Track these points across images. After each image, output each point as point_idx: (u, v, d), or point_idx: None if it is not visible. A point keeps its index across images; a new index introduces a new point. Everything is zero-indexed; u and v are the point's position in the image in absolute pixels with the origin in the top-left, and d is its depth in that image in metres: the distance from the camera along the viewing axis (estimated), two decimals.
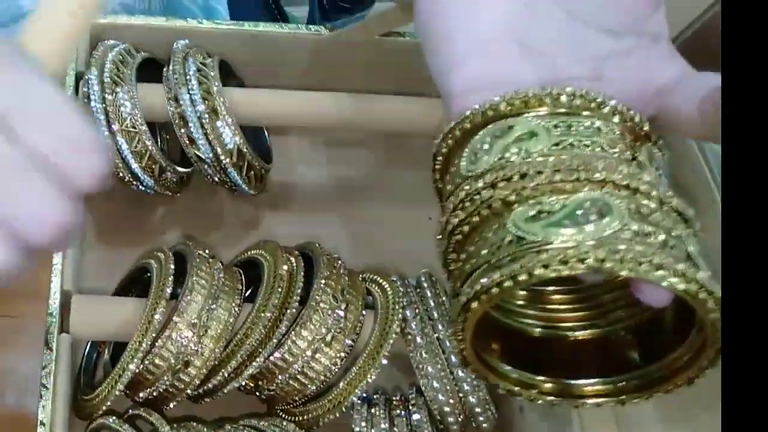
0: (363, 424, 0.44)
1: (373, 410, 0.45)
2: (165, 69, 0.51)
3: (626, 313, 0.36)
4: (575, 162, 0.30)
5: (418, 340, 0.44)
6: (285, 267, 0.44)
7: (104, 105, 0.49)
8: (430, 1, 0.35)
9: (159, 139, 0.54)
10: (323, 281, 0.44)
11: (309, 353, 0.43)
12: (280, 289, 0.43)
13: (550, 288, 0.37)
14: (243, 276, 0.45)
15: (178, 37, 0.53)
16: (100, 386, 0.42)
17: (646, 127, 0.33)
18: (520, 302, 0.37)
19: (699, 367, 0.33)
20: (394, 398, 0.46)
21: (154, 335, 0.41)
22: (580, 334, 0.37)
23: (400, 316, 0.44)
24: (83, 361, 0.46)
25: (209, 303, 0.42)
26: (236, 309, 0.43)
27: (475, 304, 0.31)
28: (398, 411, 0.45)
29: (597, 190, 0.30)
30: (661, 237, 0.30)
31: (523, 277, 0.29)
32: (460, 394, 0.44)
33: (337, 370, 0.43)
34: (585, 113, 0.32)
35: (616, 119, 0.32)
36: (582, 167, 0.30)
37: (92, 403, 0.43)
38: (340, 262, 0.46)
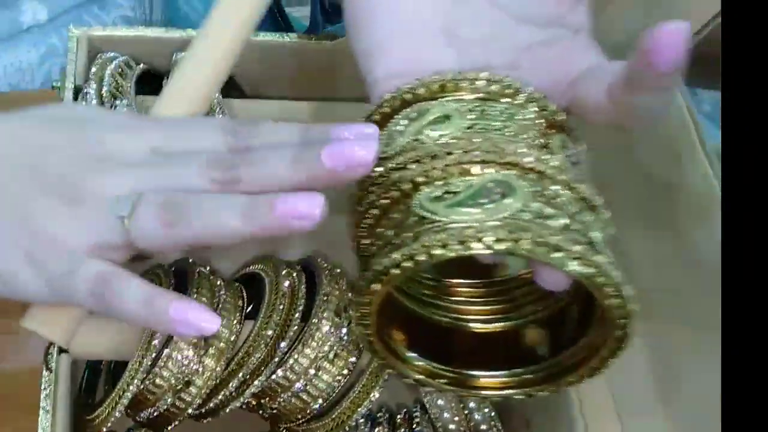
0: None
1: (377, 429, 0.44)
2: (164, 81, 0.51)
3: (536, 306, 0.36)
4: (484, 144, 0.30)
5: None
6: (287, 283, 0.44)
7: None
8: None
9: None
10: (325, 297, 0.43)
11: (312, 371, 0.42)
12: (281, 306, 0.43)
13: (463, 281, 0.37)
14: (244, 292, 0.45)
15: (177, 48, 0.52)
16: (100, 406, 0.42)
17: (561, 117, 0.33)
18: (430, 292, 0.37)
19: (601, 357, 0.33)
20: (398, 416, 0.45)
21: (154, 355, 0.41)
22: (491, 327, 0.37)
23: None
24: (83, 381, 0.46)
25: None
26: (237, 326, 0.43)
27: (377, 286, 0.30)
28: (402, 429, 0.44)
29: (503, 172, 0.30)
30: (563, 221, 0.29)
31: (422, 257, 0.29)
32: (465, 411, 0.43)
33: (340, 387, 0.43)
34: (501, 99, 0.32)
35: (531, 107, 0.33)
36: (491, 149, 0.30)
37: (93, 424, 0.42)
38: (343, 276, 0.45)
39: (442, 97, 0.33)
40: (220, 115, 0.48)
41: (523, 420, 0.46)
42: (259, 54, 0.52)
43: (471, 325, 0.37)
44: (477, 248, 0.28)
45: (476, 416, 0.43)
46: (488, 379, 0.36)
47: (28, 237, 0.33)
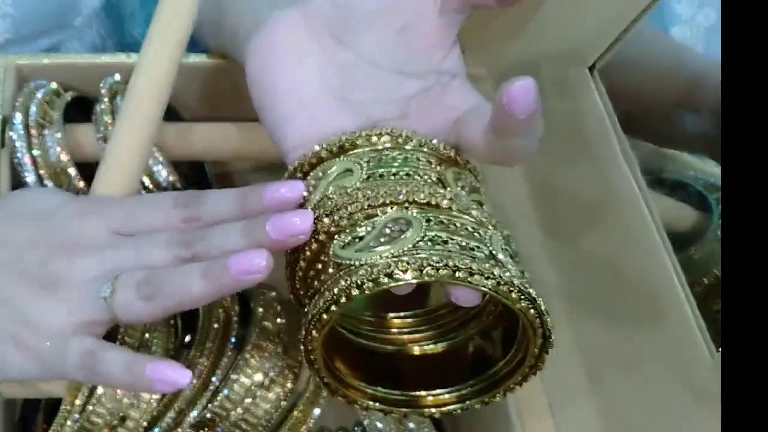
0: None
1: None
2: (94, 108, 0.50)
3: (469, 326, 0.39)
4: (381, 190, 0.34)
5: None
6: (220, 309, 0.43)
7: (30, 150, 0.48)
8: (259, 62, 0.39)
9: None
10: (259, 323, 0.43)
11: (248, 399, 0.42)
12: (215, 333, 0.42)
13: (398, 313, 0.40)
14: (178, 318, 0.44)
15: (107, 73, 0.51)
16: None
17: (452, 154, 0.37)
18: (370, 327, 0.40)
19: (531, 360, 0.35)
20: None
21: (87, 392, 0.40)
22: (430, 349, 0.39)
23: None
24: (21, 418, 0.45)
25: (142, 352, 0.41)
26: (172, 354, 0.42)
27: (313, 333, 0.33)
28: None
29: (401, 211, 0.33)
30: (461, 242, 0.33)
31: (342, 300, 0.32)
32: None
33: (278, 413, 0.42)
34: (394, 148, 0.36)
35: (421, 149, 0.36)
36: (388, 193, 0.33)
37: None
38: (277, 300, 0.45)
39: (343, 155, 0.36)
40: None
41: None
42: (189, 75, 0.52)
43: (412, 349, 0.40)
44: (387, 282, 0.32)
45: None
46: (432, 397, 0.38)
47: (15, 323, 0.36)
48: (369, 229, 0.33)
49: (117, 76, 0.51)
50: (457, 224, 0.33)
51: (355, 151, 0.36)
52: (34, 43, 0.56)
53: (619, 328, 0.42)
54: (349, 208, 0.34)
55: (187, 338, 0.44)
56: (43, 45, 0.57)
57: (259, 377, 0.42)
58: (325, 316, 0.33)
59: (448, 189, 0.35)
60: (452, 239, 0.32)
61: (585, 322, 0.44)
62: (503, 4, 0.36)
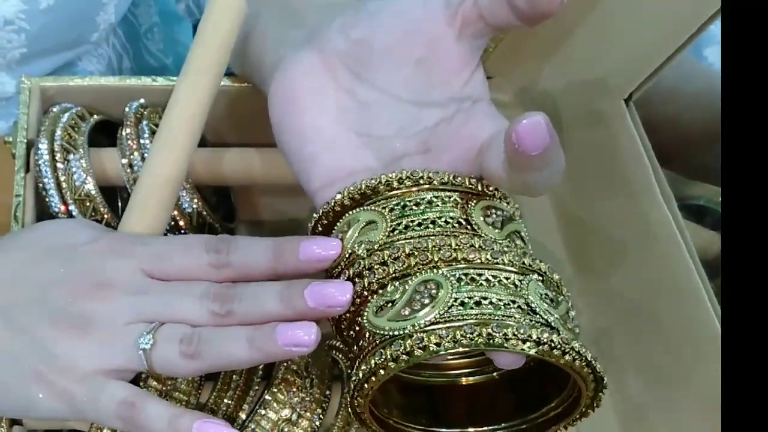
0: None
1: None
2: (119, 132, 0.50)
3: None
4: (407, 248, 0.33)
5: None
6: None
7: (56, 174, 0.47)
8: (279, 107, 0.39)
9: (121, 201, 0.53)
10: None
11: None
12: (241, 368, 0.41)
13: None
14: None
15: (132, 96, 0.51)
16: None
17: (479, 187, 0.36)
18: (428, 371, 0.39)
19: (584, 405, 0.34)
20: None
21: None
22: (478, 379, 0.38)
23: None
24: None
25: (167, 385, 0.40)
26: (196, 391, 0.41)
27: (358, 399, 0.34)
28: None
29: (429, 272, 0.33)
30: (495, 300, 0.32)
31: (381, 372, 0.32)
32: None
33: None
34: (417, 192, 0.35)
35: (446, 189, 0.35)
36: (414, 252, 0.33)
37: None
38: None
39: (367, 202, 0.36)
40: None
41: None
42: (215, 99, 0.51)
43: (459, 380, 0.39)
44: (422, 355, 0.31)
45: None
46: None
47: (43, 362, 0.36)
48: (400, 293, 0.33)
49: (142, 100, 0.51)
50: (489, 277, 0.32)
51: (378, 198, 0.36)
52: (50, 58, 0.56)
53: (655, 370, 0.41)
54: (377, 272, 0.33)
55: None
56: (59, 60, 0.57)
57: (286, 412, 0.41)
58: (366, 386, 0.33)
59: (477, 234, 0.34)
60: (485, 298, 0.32)
61: (619, 364, 0.43)
62: (530, 22, 0.35)
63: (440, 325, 0.31)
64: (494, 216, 0.35)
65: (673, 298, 0.40)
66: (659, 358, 0.41)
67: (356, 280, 0.34)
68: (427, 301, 0.32)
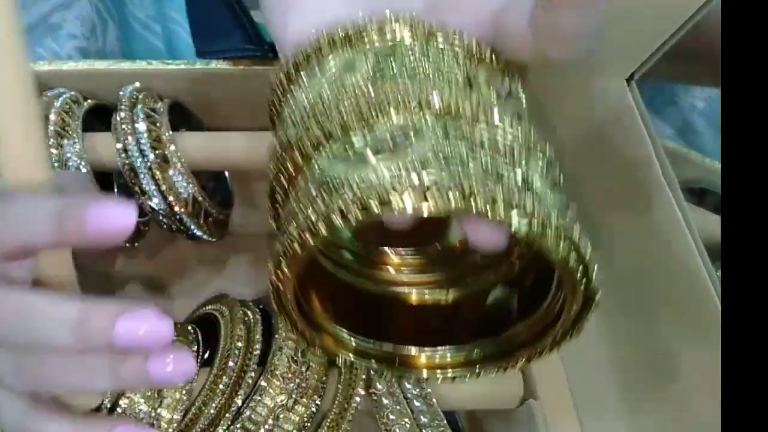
0: None
1: None
2: (113, 117, 0.49)
3: (488, 273, 0.31)
4: (387, 89, 0.26)
5: (384, 401, 0.41)
6: (242, 326, 0.42)
7: (50, 160, 0.47)
8: None
9: (117, 186, 0.52)
10: (282, 341, 0.41)
11: (271, 421, 0.40)
12: (237, 351, 0.41)
13: (397, 249, 0.32)
14: (199, 335, 0.43)
15: (126, 80, 0.50)
16: None
17: (487, 53, 0.29)
18: (357, 261, 0.32)
19: (559, 333, 0.28)
20: None
21: (106, 410, 0.39)
22: (432, 298, 0.32)
23: (363, 375, 0.42)
24: None
25: None
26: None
27: (284, 268, 0.26)
28: None
29: (409, 115, 0.25)
30: (487, 161, 0.24)
31: (321, 230, 0.24)
32: None
33: None
34: (415, 43, 0.28)
35: (449, 45, 0.28)
36: (394, 91, 0.26)
37: None
38: None
39: (350, 47, 0.28)
40: (172, 156, 0.46)
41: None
42: (209, 82, 0.51)
43: (410, 295, 0.32)
44: (380, 210, 0.23)
45: None
46: (427, 357, 0.31)
47: None
48: (365, 137, 0.25)
49: (137, 84, 0.50)
50: (484, 138, 0.25)
51: (366, 44, 0.28)
52: (22, 11, 0.53)
53: (653, 341, 0.40)
54: (343, 111, 0.26)
55: (206, 355, 0.43)
56: (33, 14, 0.53)
57: (282, 398, 0.40)
58: (298, 248, 0.25)
59: (478, 92, 0.27)
60: (475, 158, 0.24)
61: (618, 335, 0.42)
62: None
63: (409, 175, 0.24)
64: (498, 85, 0.29)
65: (674, 279, 0.40)
66: (659, 342, 0.40)
67: (313, 127, 0.27)
68: (400, 148, 0.25)
